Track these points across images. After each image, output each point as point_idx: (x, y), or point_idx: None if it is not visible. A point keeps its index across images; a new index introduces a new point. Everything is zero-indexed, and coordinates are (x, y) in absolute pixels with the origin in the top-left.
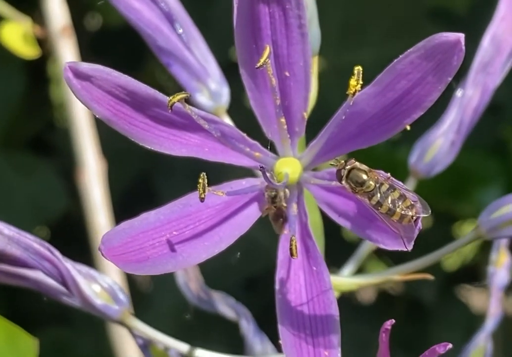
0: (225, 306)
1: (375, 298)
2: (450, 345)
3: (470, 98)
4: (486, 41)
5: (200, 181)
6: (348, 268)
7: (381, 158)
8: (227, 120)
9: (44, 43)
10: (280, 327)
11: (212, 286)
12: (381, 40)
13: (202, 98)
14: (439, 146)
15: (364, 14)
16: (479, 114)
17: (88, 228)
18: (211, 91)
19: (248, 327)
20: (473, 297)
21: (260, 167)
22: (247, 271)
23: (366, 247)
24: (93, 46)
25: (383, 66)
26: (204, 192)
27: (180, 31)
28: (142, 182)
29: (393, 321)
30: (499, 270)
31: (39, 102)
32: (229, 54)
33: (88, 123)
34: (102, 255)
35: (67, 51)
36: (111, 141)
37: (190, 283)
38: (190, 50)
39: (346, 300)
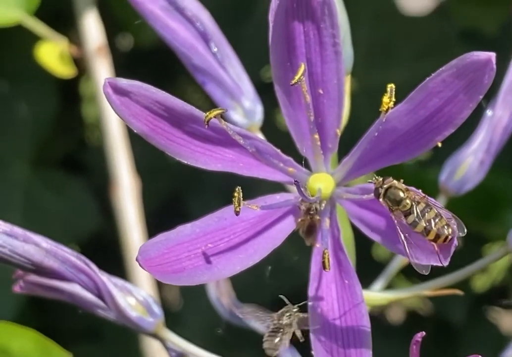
0: (256, 320)
1: (404, 318)
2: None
3: (500, 118)
4: None
5: (236, 194)
6: (378, 284)
7: (410, 178)
8: (262, 138)
9: (79, 62)
10: (313, 338)
11: (243, 301)
12: (411, 60)
13: (236, 116)
14: (469, 165)
15: (394, 35)
16: (508, 134)
17: (122, 245)
18: (245, 109)
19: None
20: (502, 318)
21: (295, 181)
22: (277, 287)
23: (396, 264)
24: (126, 66)
25: (413, 86)
26: (239, 205)
27: (215, 50)
28: (175, 200)
29: (424, 333)
30: None
31: (71, 121)
32: (262, 73)
33: (122, 141)
34: (140, 265)
35: (102, 70)
36: (145, 159)
37: (222, 298)
38: (224, 68)
39: (376, 319)
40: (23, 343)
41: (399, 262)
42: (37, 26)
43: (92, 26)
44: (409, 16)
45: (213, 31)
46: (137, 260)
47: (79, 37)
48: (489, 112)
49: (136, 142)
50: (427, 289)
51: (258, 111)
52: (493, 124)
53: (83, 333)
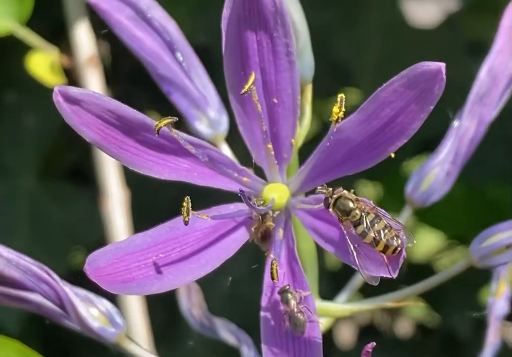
0: (227, 332)
1: (412, 332)
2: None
3: (467, 129)
4: (482, 73)
5: (184, 204)
6: (343, 296)
7: None
8: (225, 148)
9: (70, 72)
10: (264, 350)
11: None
12: None
13: (201, 126)
14: (435, 176)
15: (403, 46)
16: (475, 145)
17: None
18: (210, 119)
19: (249, 353)
20: (510, 333)
21: (240, 191)
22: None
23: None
24: (116, 75)
25: None
26: (188, 215)
27: (181, 59)
28: (167, 211)
29: (374, 344)
30: (498, 300)
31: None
32: None
33: None
34: (87, 275)
35: (93, 80)
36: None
37: (193, 309)
38: (190, 78)
39: (383, 333)
40: (8, 354)
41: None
42: (29, 36)
43: (83, 37)
44: (418, 28)
45: (180, 41)
46: (84, 270)
47: (70, 47)
48: (455, 123)
49: None
50: (390, 300)
51: (223, 121)
52: (460, 135)
53: (86, 343)
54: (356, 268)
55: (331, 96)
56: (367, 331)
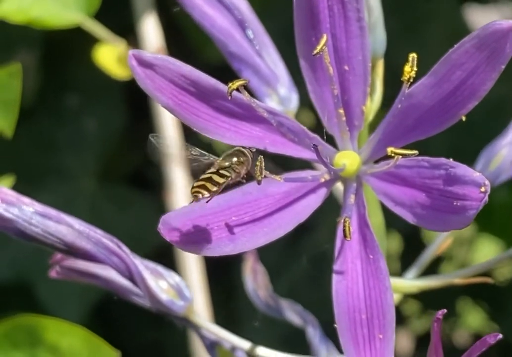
0: (292, 313)
1: (470, 342)
2: (500, 335)
3: None
4: None
5: (258, 163)
6: (411, 273)
7: None
8: None
9: None
10: (336, 311)
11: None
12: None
13: (271, 103)
14: (504, 156)
15: None
16: None
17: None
18: (280, 96)
19: (314, 334)
20: None
21: (313, 145)
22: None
23: (430, 253)
24: None
25: (487, 104)
26: (261, 174)
27: (252, 37)
28: None
29: (445, 310)
30: None
31: (140, 136)
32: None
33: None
34: (161, 234)
35: None
36: None
37: (259, 290)
38: (261, 56)
39: (442, 343)
40: (73, 340)
41: (432, 251)
42: (96, 29)
43: (151, 29)
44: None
45: (251, 19)
46: (158, 229)
47: (137, 40)
48: None
49: None
50: (459, 277)
51: (294, 98)
52: None
53: (145, 343)
54: (427, 229)
55: (391, 105)
56: (424, 340)
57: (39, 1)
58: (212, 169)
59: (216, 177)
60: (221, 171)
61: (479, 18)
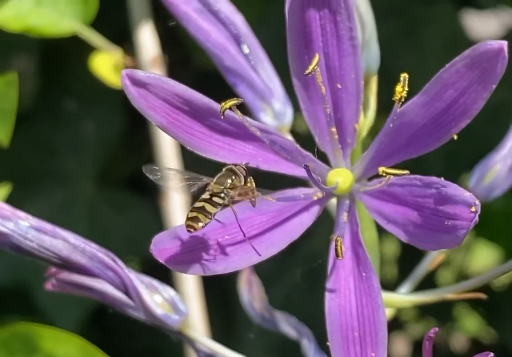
0: (287, 325)
1: (467, 347)
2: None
3: None
4: None
5: (248, 185)
6: (404, 288)
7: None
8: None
9: None
10: (329, 329)
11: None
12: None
13: (266, 118)
14: (497, 170)
15: None
16: None
17: None
18: (275, 111)
19: (309, 346)
20: None
21: (305, 166)
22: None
23: (423, 267)
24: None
25: (485, 112)
26: (254, 196)
27: (247, 52)
28: None
29: (436, 329)
30: None
31: (138, 140)
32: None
33: (174, 154)
34: (153, 255)
35: None
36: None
37: (254, 302)
38: (256, 70)
39: (438, 347)
40: (68, 348)
41: (425, 266)
42: (93, 37)
43: (147, 37)
44: (477, 43)
45: (246, 33)
46: (151, 250)
47: (134, 48)
48: None
49: (188, 155)
50: (452, 292)
51: (288, 113)
52: None
53: (141, 351)
54: (420, 247)
55: (388, 109)
56: (421, 345)
57: (36, 10)
58: (206, 195)
59: (209, 207)
60: (214, 199)
61: (477, 24)
